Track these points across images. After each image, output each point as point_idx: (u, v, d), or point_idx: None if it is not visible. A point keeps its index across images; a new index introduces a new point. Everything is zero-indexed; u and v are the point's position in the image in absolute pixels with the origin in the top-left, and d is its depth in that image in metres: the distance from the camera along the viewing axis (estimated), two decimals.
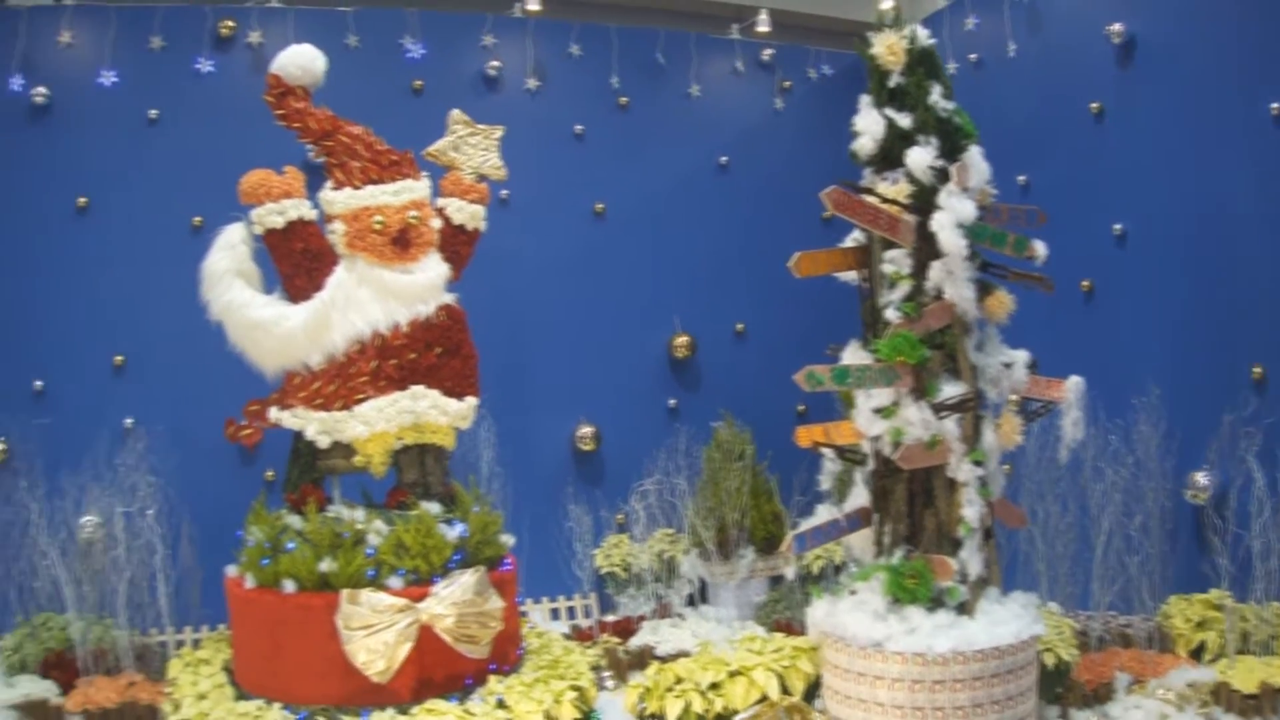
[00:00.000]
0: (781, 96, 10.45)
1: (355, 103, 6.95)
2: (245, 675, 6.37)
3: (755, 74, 10.43)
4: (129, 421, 8.48)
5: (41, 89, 8.72)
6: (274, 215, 6.46)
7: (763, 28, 10.26)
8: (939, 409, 5.53)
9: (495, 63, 9.51)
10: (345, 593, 5.80)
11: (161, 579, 7.47)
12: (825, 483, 6.59)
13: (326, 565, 5.96)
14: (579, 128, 9.70)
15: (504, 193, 8.40)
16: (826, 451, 6.33)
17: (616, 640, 7.78)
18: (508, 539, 6.75)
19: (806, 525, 6.10)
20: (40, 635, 7.52)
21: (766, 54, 10.43)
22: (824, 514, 6.15)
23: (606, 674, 7.21)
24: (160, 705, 6.54)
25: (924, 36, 6.02)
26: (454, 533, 6.21)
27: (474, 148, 7.09)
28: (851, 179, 5.93)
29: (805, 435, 6.33)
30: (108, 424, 8.27)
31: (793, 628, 7.58)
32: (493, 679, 6.13)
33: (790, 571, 6.96)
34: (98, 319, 8.62)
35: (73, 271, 8.62)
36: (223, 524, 7.00)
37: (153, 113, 8.89)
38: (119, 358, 8.68)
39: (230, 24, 9.11)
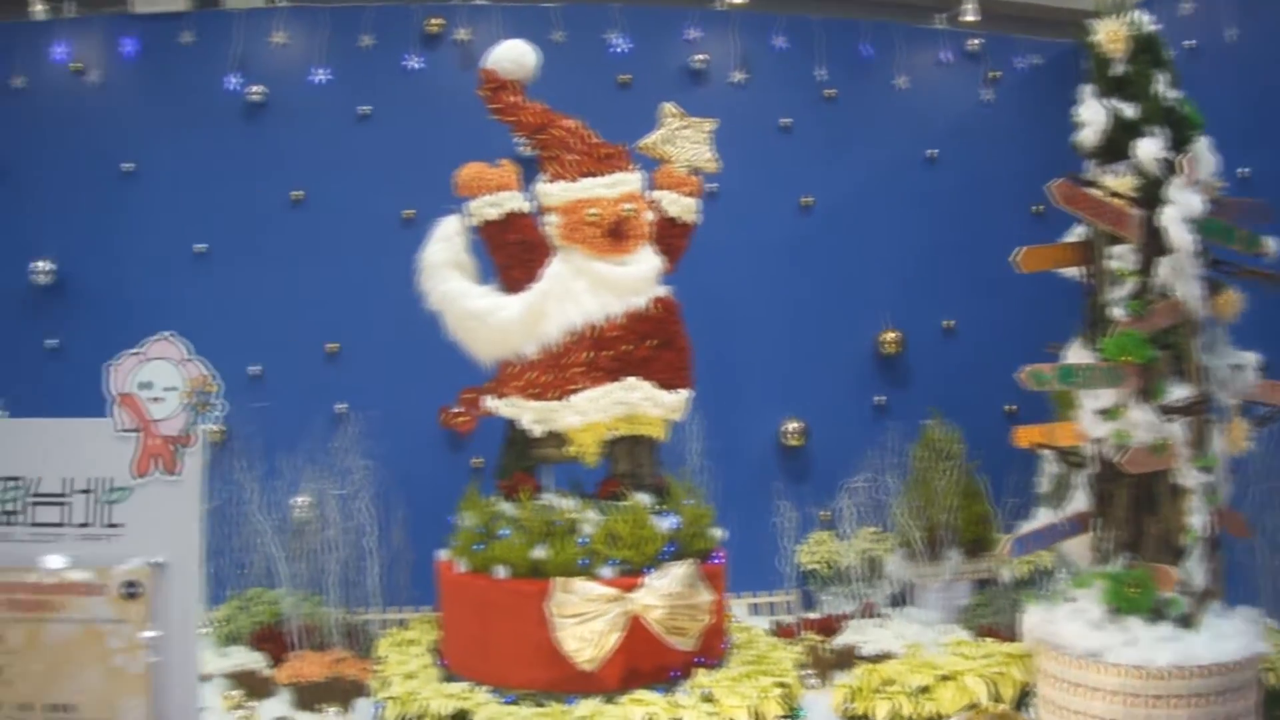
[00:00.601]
0: (989, 87, 10.29)
1: (562, 97, 7.05)
2: (453, 657, 6.55)
3: (962, 64, 10.28)
4: (341, 407, 8.85)
5: (257, 87, 9.16)
6: (490, 207, 6.64)
7: (969, 16, 10.12)
8: (1166, 412, 5.40)
9: (700, 56, 9.58)
10: (558, 580, 5.93)
11: (372, 560, 7.78)
12: (1044, 485, 6.48)
13: (539, 553, 6.10)
14: (785, 120, 9.70)
15: (712, 185, 8.46)
16: (1046, 453, 6.22)
17: (819, 638, 7.77)
18: (719, 532, 6.81)
19: (1026, 528, 6.00)
20: (251, 609, 7.91)
21: (973, 43, 10.26)
22: (1043, 517, 6.03)
23: (809, 672, 7.22)
24: (367, 681, 6.76)
25: (1147, 22, 5.81)
26: (666, 524, 6.30)
27: (686, 140, 7.16)
28: (1063, 171, 5.80)
29: (1024, 436, 6.20)
30: (321, 409, 8.66)
31: (998, 633, 7.48)
32: (699, 672, 6.19)
33: (1007, 574, 6.87)
34: (312, 307, 8.99)
35: (288, 262, 9.01)
36: (430, 508, 7.20)
37: (364, 109, 9.23)
38: (332, 345, 9.05)
39: (438, 22, 9.38)
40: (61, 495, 3.79)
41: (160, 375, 3.81)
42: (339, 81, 9.27)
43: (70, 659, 3.72)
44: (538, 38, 7.10)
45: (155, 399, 3.79)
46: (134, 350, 3.79)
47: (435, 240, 6.75)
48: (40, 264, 9.14)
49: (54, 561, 3.75)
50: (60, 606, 3.72)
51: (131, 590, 3.68)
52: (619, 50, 9.52)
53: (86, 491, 3.78)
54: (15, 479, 3.81)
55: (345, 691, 6.89)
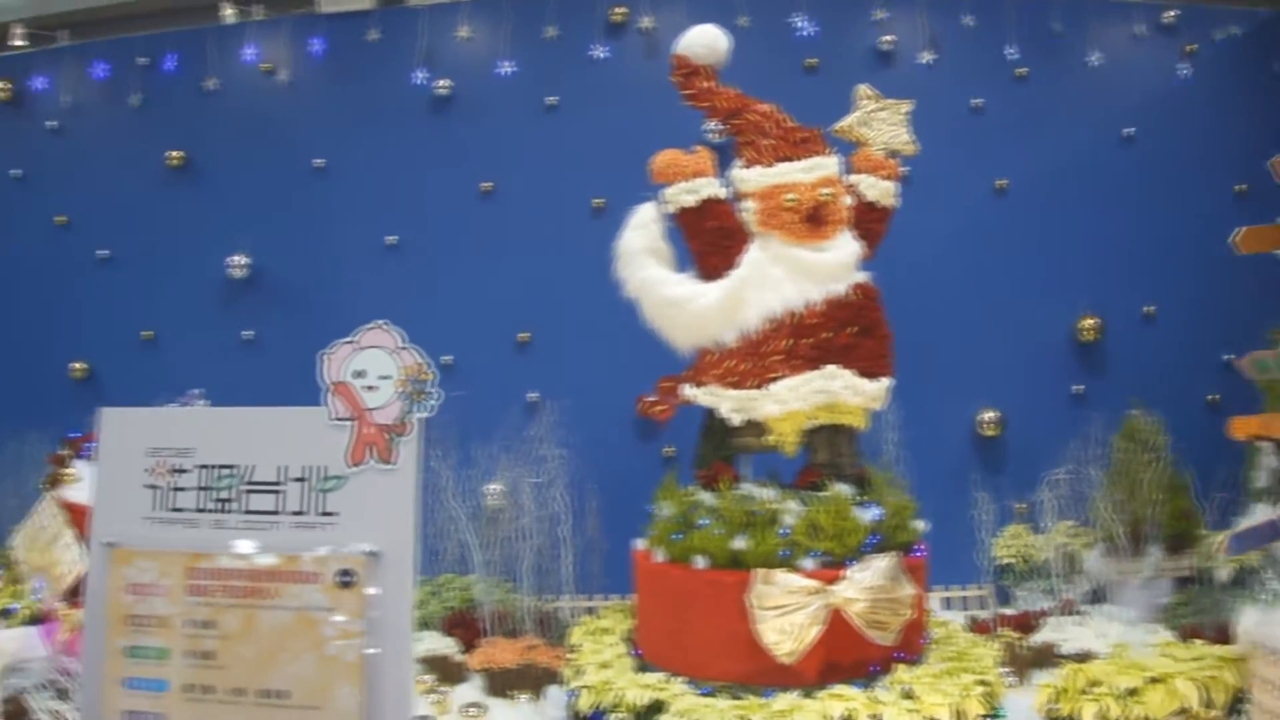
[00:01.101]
0: (1186, 61, 9.76)
1: (748, 82, 6.85)
2: (649, 646, 6.42)
3: (1157, 38, 9.77)
4: (533, 396, 8.81)
5: (444, 81, 9.18)
6: (686, 194, 6.48)
7: None
8: None
9: (888, 37, 9.28)
10: (759, 572, 5.75)
11: (566, 548, 7.71)
12: (1260, 479, 6.11)
13: (739, 543, 5.93)
14: (976, 101, 9.34)
15: (903, 168, 8.21)
16: (1264, 446, 5.86)
17: (1016, 635, 7.47)
18: (921, 525, 6.57)
19: (1244, 524, 5.64)
20: (443, 594, 7.92)
21: (1168, 16, 9.73)
22: (1262, 513, 5.67)
23: (1006, 670, 6.93)
24: (560, 669, 6.68)
25: None
26: (869, 516, 6.08)
27: (883, 122, 6.91)
28: (1267, 146, 5.40)
29: (1241, 427, 5.84)
30: (513, 398, 8.65)
31: (1201, 633, 7.08)
32: (899, 668, 5.95)
33: (1224, 573, 6.50)
34: (502, 297, 8.98)
35: (479, 252, 9.02)
36: (622, 497, 7.14)
37: (550, 99, 9.17)
38: (524, 335, 9.01)
39: (622, 11, 9.24)
40: (276, 483, 3.74)
41: (374, 363, 3.73)
42: (524, 73, 9.23)
43: (284, 646, 3.66)
44: (722, 23, 6.90)
45: (370, 387, 3.71)
46: (348, 339, 3.71)
47: (631, 228, 6.62)
48: (236, 258, 9.34)
49: (244, 547, 3.70)
50: (275, 594, 3.67)
51: (346, 579, 3.61)
52: (805, 33, 9.27)
53: (301, 480, 3.72)
54: (230, 467, 3.77)
55: (537, 679, 6.83)
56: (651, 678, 6.00)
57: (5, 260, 10.51)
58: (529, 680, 6.82)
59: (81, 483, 6.63)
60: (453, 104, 9.20)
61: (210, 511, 3.77)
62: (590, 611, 7.84)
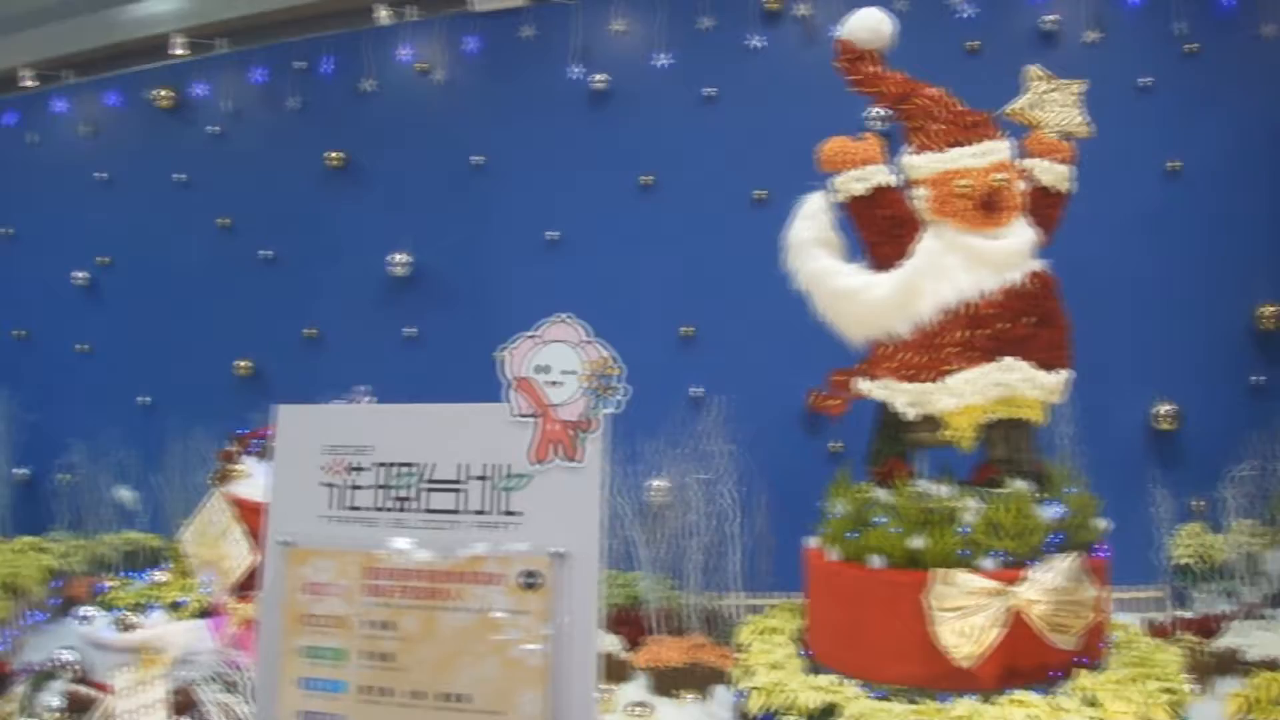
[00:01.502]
0: None
1: (910, 67, 6.59)
2: (820, 648, 6.17)
3: None
4: (697, 391, 8.62)
5: (600, 76, 9.05)
6: (856, 182, 6.21)
7: None
8: None
9: (1050, 17, 8.88)
10: (938, 572, 5.48)
11: (734, 545, 7.52)
12: None
13: (917, 542, 5.66)
14: (1144, 80, 8.89)
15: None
16: None
17: (1196, 640, 7.06)
18: (1103, 523, 6.22)
19: None
20: (609, 591, 7.77)
21: None
22: None
23: (1189, 677, 6.53)
24: (728, 669, 6.46)
25: None
26: (1051, 514, 5.77)
27: (1055, 104, 6.56)
28: None
29: None
30: (677, 393, 8.48)
31: None
32: (1080, 673, 5.62)
33: None
34: (665, 291, 8.81)
35: (640, 246, 8.85)
36: (789, 493, 6.93)
37: (708, 91, 8.96)
38: (687, 329, 8.83)
39: None
40: (457, 482, 3.58)
41: (558, 358, 3.56)
42: (681, 65, 9.04)
43: (465, 649, 3.51)
44: (880, 6, 6.64)
45: (553, 383, 3.53)
46: (530, 333, 3.55)
47: (801, 218, 6.39)
48: (397, 256, 9.33)
49: (399, 543, 3.56)
50: (456, 595, 3.52)
51: (531, 580, 3.44)
52: (965, 15, 8.92)
53: (482, 478, 3.56)
54: (409, 465, 3.63)
55: (703, 678, 6.67)
56: (824, 680, 5.76)
57: (171, 262, 10.71)
58: (695, 679, 6.67)
59: (250, 478, 6.62)
60: (610, 98, 9.06)
61: (389, 510, 3.63)
62: (757, 610, 7.62)
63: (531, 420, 3.53)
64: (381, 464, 3.67)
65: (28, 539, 9.90)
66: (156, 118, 10.97)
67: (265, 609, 3.69)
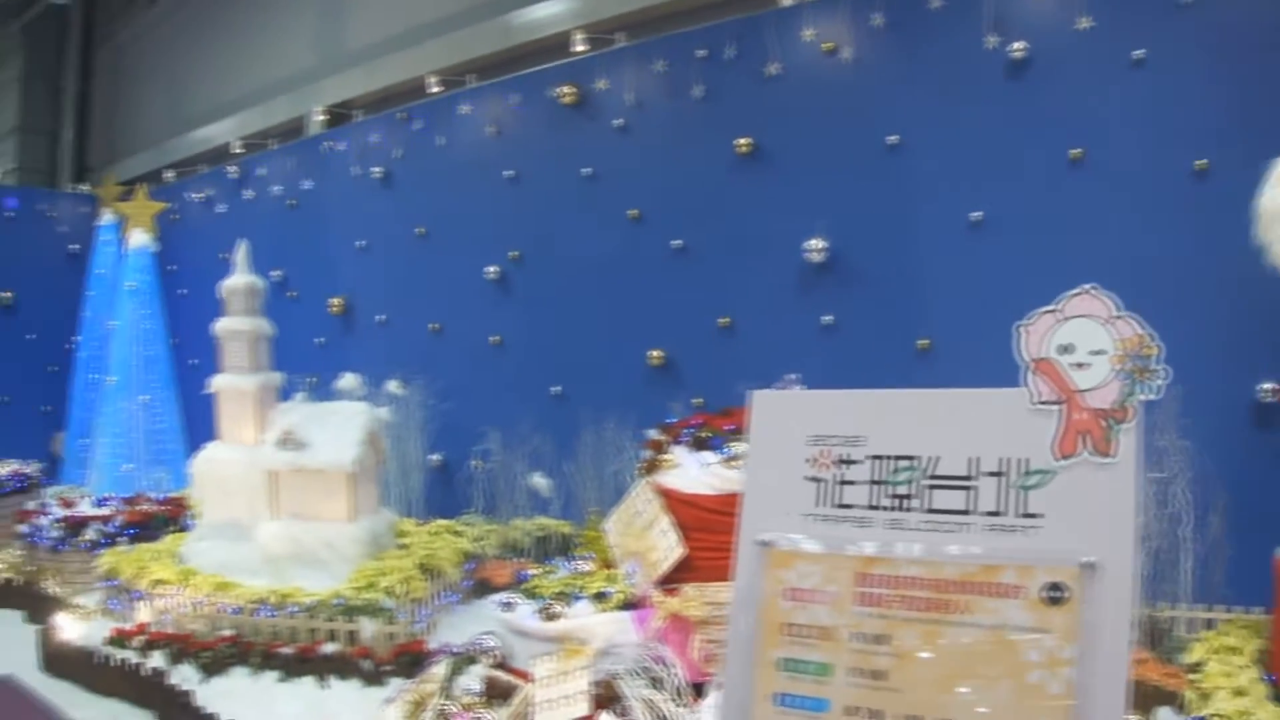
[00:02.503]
0: None
1: None
2: None
3: None
4: None
5: (1017, 44, 8.24)
6: None
7: None
8: None
9: None
10: None
11: (1186, 551, 6.67)
12: None
13: None
14: None
15: None
16: None
17: None
18: None
19: None
20: None
21: None
22: None
23: None
24: (1178, 690, 5.69)
25: None
26: None
27: None
28: None
29: None
30: None
31: None
32: None
33: None
34: (1097, 274, 7.91)
35: (1072, 225, 8.03)
36: (1247, 496, 6.09)
37: (1136, 54, 8.02)
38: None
39: None
40: (966, 478, 3.05)
41: (1084, 336, 2.98)
42: (1104, 27, 8.11)
43: (972, 671, 2.98)
44: None
45: (1079, 365, 2.95)
46: (1049, 308, 2.97)
47: (1273, 184, 5.55)
48: (813, 242, 8.89)
49: (898, 547, 3.04)
50: (964, 608, 3.00)
51: (1055, 595, 2.89)
52: None
53: (997, 474, 3.01)
54: (909, 458, 3.13)
55: (1148, 697, 5.88)
56: None
57: (582, 255, 10.68)
58: (1137, 698, 5.89)
59: (679, 469, 6.30)
60: (1029, 67, 8.24)
61: (884, 509, 3.14)
62: (1209, 624, 6.73)
63: (1055, 408, 2.96)
64: (876, 456, 3.18)
65: (442, 522, 10.05)
66: (560, 114, 10.96)
67: (737, 614, 3.28)
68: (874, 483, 3.16)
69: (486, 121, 11.63)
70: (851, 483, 3.19)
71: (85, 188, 19.62)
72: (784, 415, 3.35)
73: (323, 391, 11.38)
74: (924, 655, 3.03)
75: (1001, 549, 2.96)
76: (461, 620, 8.78)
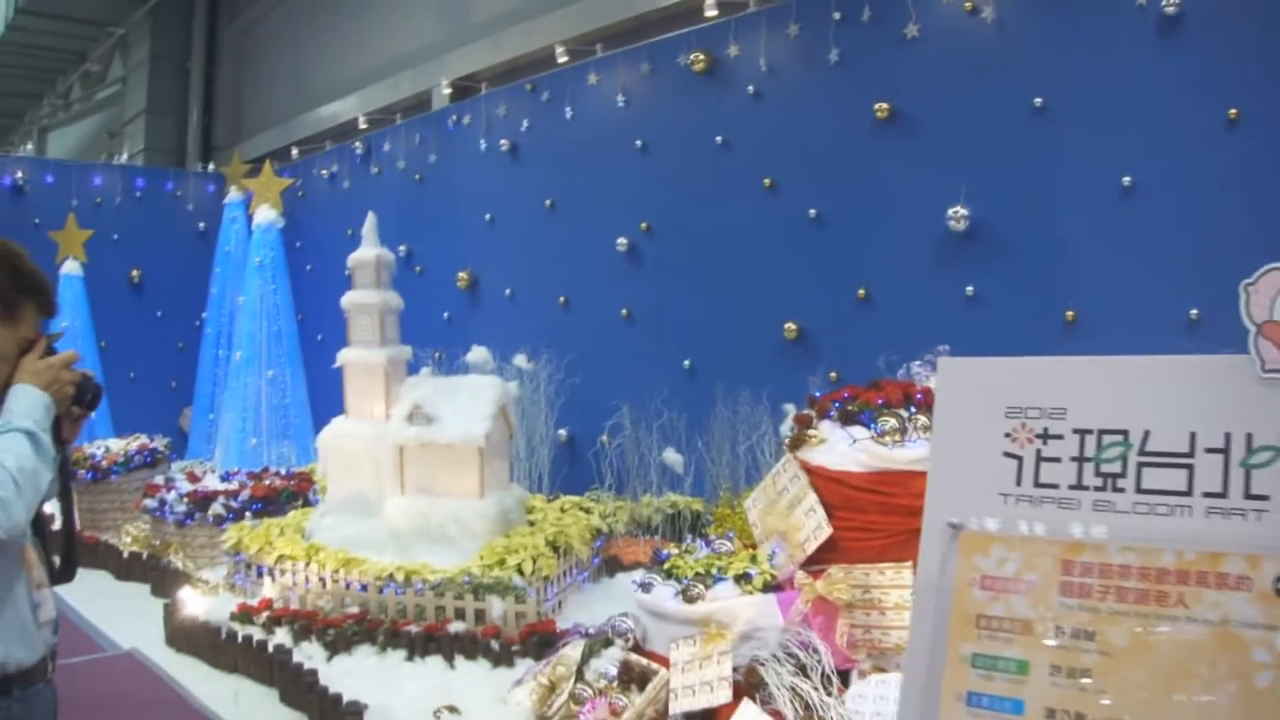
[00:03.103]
0: None
1: None
2: None
3: None
4: None
5: None
6: None
7: None
8: None
9: None
10: None
11: None
12: None
13: None
14: None
15: None
16: None
17: None
18: None
19: None
20: None
21: None
22: None
23: None
24: None
25: None
26: None
27: None
28: None
29: None
30: None
31: None
32: None
33: None
34: (1260, 238, 7.44)
35: (1229, 188, 7.50)
36: None
37: None
38: None
39: None
40: (1183, 455, 2.70)
41: None
42: None
43: (1191, 672, 2.66)
44: None
45: None
46: (1276, 264, 2.60)
47: None
48: (955, 210, 8.51)
49: (1107, 533, 2.71)
50: (1182, 601, 2.68)
51: None
52: None
53: (1218, 451, 2.66)
54: (1118, 432, 2.78)
55: None
56: None
57: (714, 225, 10.42)
58: None
59: (826, 444, 5.98)
60: (1182, 23, 7.69)
61: (1092, 489, 2.80)
62: None
63: None
64: (1081, 430, 2.84)
65: (571, 498, 9.85)
66: (691, 82, 10.68)
67: (923, 604, 2.97)
68: (1079, 459, 2.83)
69: (615, 91, 11.39)
70: (1054, 459, 2.86)
71: (212, 167, 19.86)
72: (976, 385, 3.03)
73: (449, 366, 11.30)
74: (1135, 655, 2.71)
75: (1221, 534, 2.63)
76: (590, 600, 8.60)
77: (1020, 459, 2.90)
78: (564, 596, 8.47)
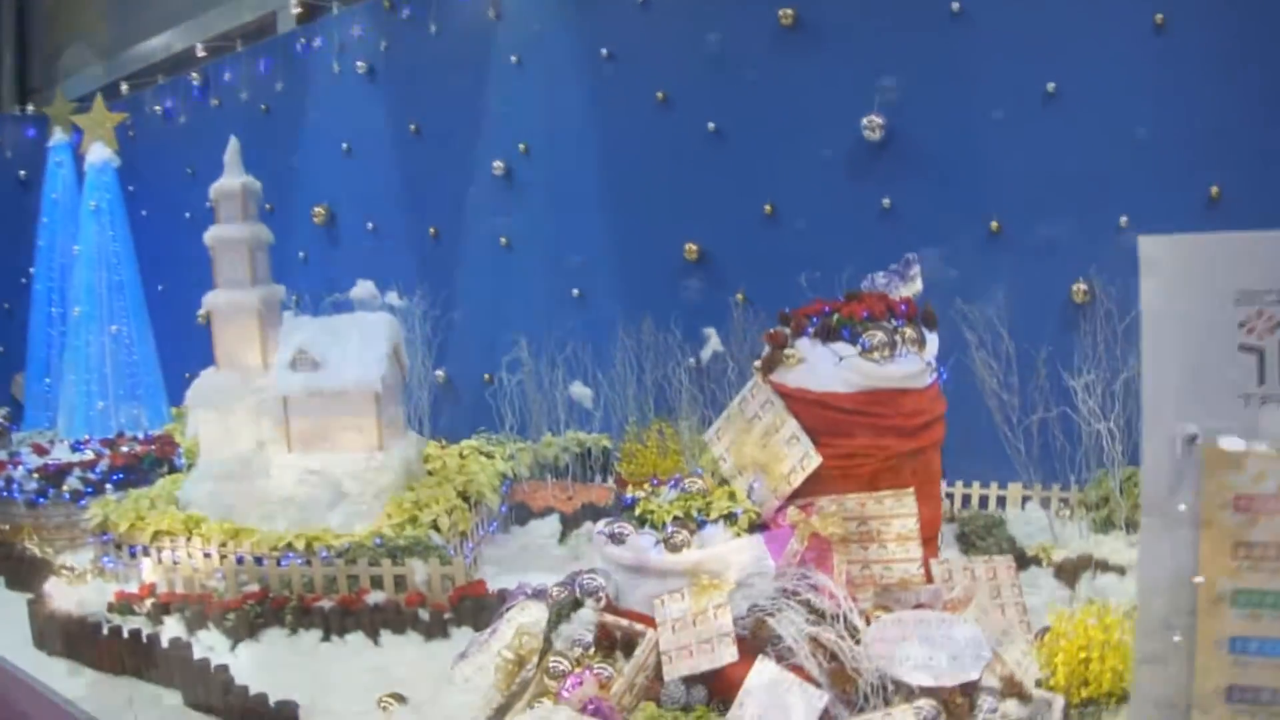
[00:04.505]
0: None
1: None
2: None
3: None
4: None
5: None
6: None
7: None
8: None
9: None
10: None
11: None
12: None
13: None
14: None
15: None
16: None
17: None
18: None
19: None
20: None
21: None
22: None
23: None
24: None
25: None
26: None
27: None
28: None
29: None
30: None
31: None
32: None
33: None
34: (1185, 149, 7.14)
35: (1152, 96, 7.19)
36: None
37: None
38: (1215, 188, 7.01)
39: None
40: None
41: None
42: None
43: None
44: None
45: None
46: None
47: None
48: (870, 119, 8.03)
49: None
50: None
51: None
52: None
53: None
54: None
55: None
56: None
57: (603, 144, 9.73)
58: None
59: (805, 365, 5.37)
60: None
61: None
62: None
63: None
64: None
65: (470, 442, 9.10)
66: None
67: (1152, 534, 2.42)
68: None
69: (485, 3, 10.55)
70: None
71: (31, 109, 18.26)
72: (1196, 268, 2.43)
73: (313, 309, 10.40)
74: None
75: None
76: (507, 553, 7.93)
77: (1261, 351, 2.37)
78: (478, 552, 7.81)
